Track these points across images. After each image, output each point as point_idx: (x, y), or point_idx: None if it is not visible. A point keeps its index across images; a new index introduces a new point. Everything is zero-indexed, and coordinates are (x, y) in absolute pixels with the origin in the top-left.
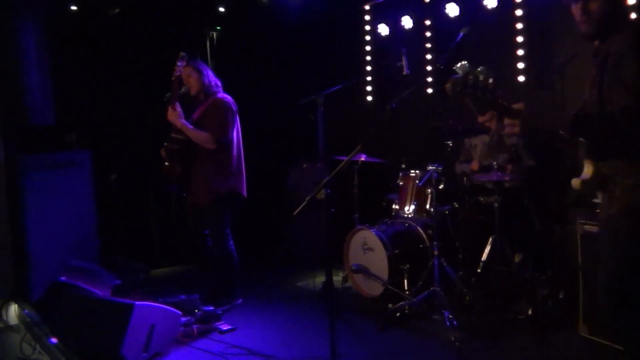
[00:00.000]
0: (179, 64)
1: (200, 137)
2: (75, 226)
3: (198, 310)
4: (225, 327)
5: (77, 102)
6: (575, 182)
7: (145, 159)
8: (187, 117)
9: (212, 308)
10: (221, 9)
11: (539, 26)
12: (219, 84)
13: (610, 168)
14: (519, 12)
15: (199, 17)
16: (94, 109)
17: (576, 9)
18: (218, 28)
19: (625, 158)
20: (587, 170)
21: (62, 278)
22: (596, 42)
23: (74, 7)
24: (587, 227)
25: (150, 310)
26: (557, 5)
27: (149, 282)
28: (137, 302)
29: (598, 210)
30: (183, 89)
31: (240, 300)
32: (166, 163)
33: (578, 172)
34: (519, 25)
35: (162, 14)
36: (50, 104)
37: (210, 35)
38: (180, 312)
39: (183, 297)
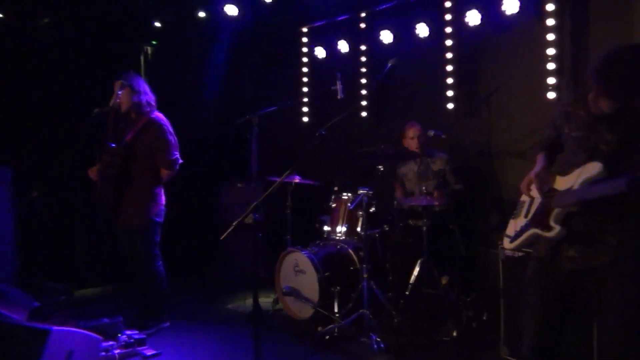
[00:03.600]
0: (119, 92)
1: (168, 177)
2: None
3: (121, 334)
4: (149, 352)
5: None
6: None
7: (69, 176)
8: (118, 136)
9: (136, 332)
10: (157, 24)
11: (468, 56)
12: (153, 102)
13: (599, 218)
14: (449, 42)
15: (133, 31)
16: (16, 123)
17: (596, 97)
18: (153, 42)
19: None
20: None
21: None
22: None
23: None
24: (508, 251)
25: (68, 335)
26: (485, 38)
27: (71, 303)
28: (53, 328)
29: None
30: (112, 104)
31: (167, 324)
32: (100, 187)
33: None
34: (449, 55)
35: (95, 25)
36: None
37: (145, 49)
38: (101, 337)
39: (106, 320)
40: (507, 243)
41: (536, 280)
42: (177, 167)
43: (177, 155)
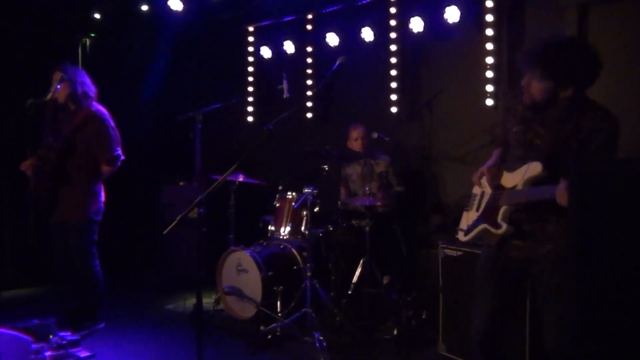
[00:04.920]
0: (57, 86)
1: (109, 173)
2: None
3: (53, 336)
4: (83, 354)
5: None
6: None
7: (1, 168)
8: (56, 128)
9: (69, 333)
10: (97, 15)
11: (411, 62)
12: (93, 93)
13: (538, 211)
14: (393, 47)
15: (71, 21)
16: None
17: (528, 82)
18: (92, 35)
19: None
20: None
21: None
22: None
23: None
24: (447, 251)
25: None
26: (428, 45)
27: None
28: None
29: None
30: (50, 97)
31: (102, 324)
32: (34, 182)
33: (442, 202)
34: (393, 60)
35: (30, 14)
36: None
37: (83, 41)
38: (30, 338)
39: (36, 321)
40: (461, 236)
41: (486, 268)
42: (119, 163)
43: (119, 151)
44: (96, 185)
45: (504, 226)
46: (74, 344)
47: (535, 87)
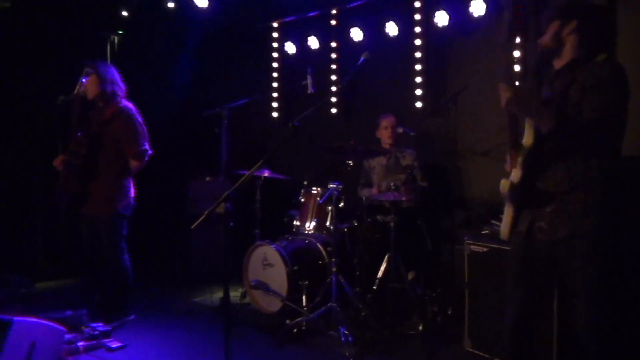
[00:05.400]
0: (83, 80)
1: (138, 168)
2: None
3: (85, 327)
4: (114, 345)
5: None
6: (504, 184)
7: (29, 165)
8: (85, 125)
9: (101, 324)
10: (124, 13)
11: (436, 56)
12: (122, 91)
13: (555, 184)
14: (418, 42)
15: (100, 19)
16: None
17: (553, 27)
18: (120, 32)
19: (576, 177)
20: (516, 175)
21: None
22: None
23: None
24: (473, 247)
25: (30, 326)
26: (453, 38)
27: (32, 296)
28: (15, 318)
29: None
30: (79, 92)
31: (132, 316)
32: (64, 176)
33: (468, 197)
34: (418, 54)
35: (60, 12)
36: None
37: (112, 38)
38: (64, 329)
39: (69, 312)
40: (501, 233)
41: (517, 256)
42: (147, 158)
43: (147, 145)
44: (125, 180)
45: (513, 171)
46: (106, 334)
47: (546, 33)
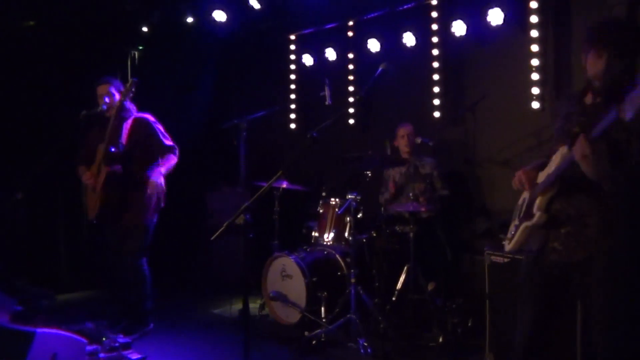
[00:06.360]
0: (106, 99)
1: (171, 166)
2: None
3: (106, 338)
4: (135, 357)
5: None
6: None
7: (53, 179)
8: (104, 137)
9: (121, 336)
10: (144, 29)
11: (453, 66)
12: (133, 105)
13: (573, 206)
14: (435, 52)
15: (121, 35)
16: (1, 124)
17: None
18: (140, 47)
19: (596, 197)
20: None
21: None
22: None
23: None
24: (493, 257)
25: (52, 338)
26: (470, 48)
27: (54, 307)
28: (38, 330)
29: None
30: (99, 109)
31: (151, 325)
32: (103, 194)
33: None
34: (435, 64)
35: (82, 29)
36: None
37: (132, 54)
38: (86, 340)
39: (89, 324)
40: (506, 245)
41: (528, 274)
42: (177, 151)
43: (171, 141)
44: (160, 187)
45: (537, 214)
46: (126, 346)
47: (590, 61)
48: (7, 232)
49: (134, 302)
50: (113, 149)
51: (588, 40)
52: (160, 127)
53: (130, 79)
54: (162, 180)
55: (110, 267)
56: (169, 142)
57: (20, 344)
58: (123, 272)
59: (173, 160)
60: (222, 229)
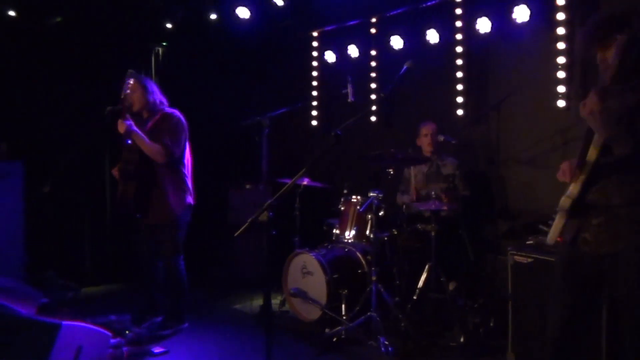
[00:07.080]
0: (127, 80)
1: (152, 149)
2: (2, 240)
3: (129, 332)
4: (157, 350)
5: (9, 111)
6: (565, 201)
7: (78, 174)
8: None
9: (144, 329)
10: (168, 25)
11: (477, 63)
12: (165, 101)
13: (604, 197)
14: (459, 49)
15: (144, 32)
16: (29, 118)
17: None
18: (164, 44)
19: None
20: (574, 190)
21: None
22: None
23: (12, 13)
24: (517, 257)
25: (77, 330)
26: (495, 45)
27: (79, 300)
28: (64, 322)
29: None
30: (126, 104)
31: (186, 324)
32: (120, 184)
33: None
34: (459, 62)
35: (106, 26)
36: None
37: (156, 50)
38: (110, 333)
39: (113, 317)
40: (548, 238)
41: (561, 267)
42: (166, 158)
43: (176, 149)
44: (181, 186)
45: (562, 198)
46: (149, 340)
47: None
48: (34, 225)
49: (171, 299)
50: (129, 141)
51: (593, 37)
52: (183, 132)
53: (129, 71)
54: (143, 140)
55: (143, 265)
56: (166, 141)
57: (47, 336)
58: (158, 273)
59: (155, 148)
60: (245, 225)
